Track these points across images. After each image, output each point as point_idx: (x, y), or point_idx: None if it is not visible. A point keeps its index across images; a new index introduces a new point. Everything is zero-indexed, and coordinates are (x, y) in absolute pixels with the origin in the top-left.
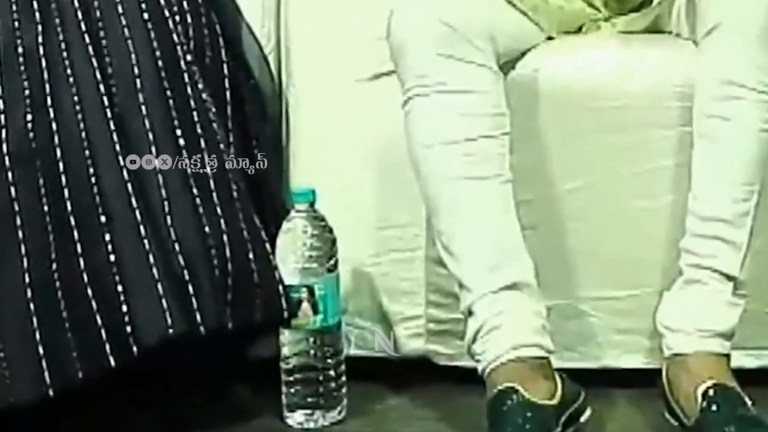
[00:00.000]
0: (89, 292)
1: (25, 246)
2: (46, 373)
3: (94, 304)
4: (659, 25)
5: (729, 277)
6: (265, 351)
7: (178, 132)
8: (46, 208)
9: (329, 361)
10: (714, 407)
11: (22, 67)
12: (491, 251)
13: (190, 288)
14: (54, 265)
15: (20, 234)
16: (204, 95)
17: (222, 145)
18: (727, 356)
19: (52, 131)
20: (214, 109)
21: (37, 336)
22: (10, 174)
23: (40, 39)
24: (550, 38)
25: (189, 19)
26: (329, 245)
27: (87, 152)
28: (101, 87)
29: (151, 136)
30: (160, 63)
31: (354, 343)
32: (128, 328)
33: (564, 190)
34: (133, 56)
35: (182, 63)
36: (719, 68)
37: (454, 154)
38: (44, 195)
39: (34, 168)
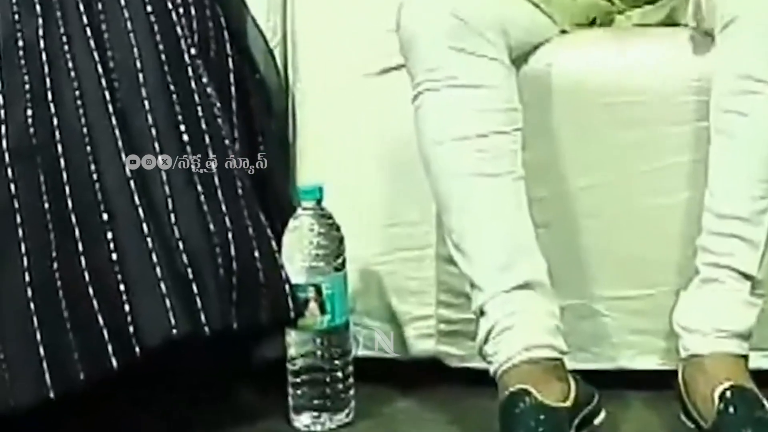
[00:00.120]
0: (91, 291)
1: (25, 244)
2: (47, 375)
3: (95, 303)
4: (675, 18)
5: (747, 276)
6: (271, 352)
7: (182, 127)
8: (46, 205)
9: (337, 362)
10: (731, 409)
11: (23, 61)
12: (503, 250)
13: (194, 287)
14: (55, 264)
15: (20, 232)
16: (208, 90)
17: (227, 141)
18: (745, 357)
19: (53, 126)
20: (218, 104)
21: (38, 336)
22: (9, 170)
23: (40, 32)
24: (563, 31)
25: (193, 12)
26: (337, 243)
27: (88, 148)
28: (103, 81)
29: (154, 131)
30: (163, 57)
31: (362, 343)
32: (131, 329)
33: (577, 187)
34: (135, 50)
35: (186, 57)
36: (736, 62)
37: (466, 150)
38: (45, 192)
39: (35, 164)
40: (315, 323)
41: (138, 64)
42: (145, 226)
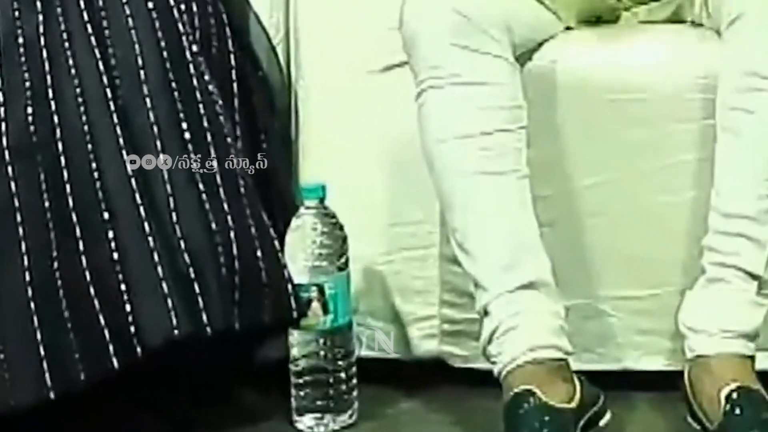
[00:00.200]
0: (92, 291)
1: (25, 243)
2: (47, 375)
3: (96, 303)
4: (681, 15)
5: (753, 276)
6: (274, 352)
7: (184, 125)
8: (47, 204)
9: (340, 362)
10: (738, 411)
11: (23, 58)
12: (507, 249)
13: (196, 287)
14: (55, 264)
15: (20, 231)
16: (210, 87)
17: (229, 139)
18: (752, 358)
19: (54, 124)
20: (220, 102)
21: (38, 337)
22: (10, 169)
23: (41, 29)
24: (568, 28)
25: (195, 9)
26: (340, 243)
27: (89, 146)
28: (104, 78)
29: (155, 129)
30: (164, 54)
31: (365, 344)
32: (132, 329)
33: (582, 186)
34: (137, 47)
35: (188, 54)
36: (743, 59)
37: (469, 148)
38: (45, 191)
39: (35, 163)
40: (318, 323)
41: (139, 62)
42: (146, 225)
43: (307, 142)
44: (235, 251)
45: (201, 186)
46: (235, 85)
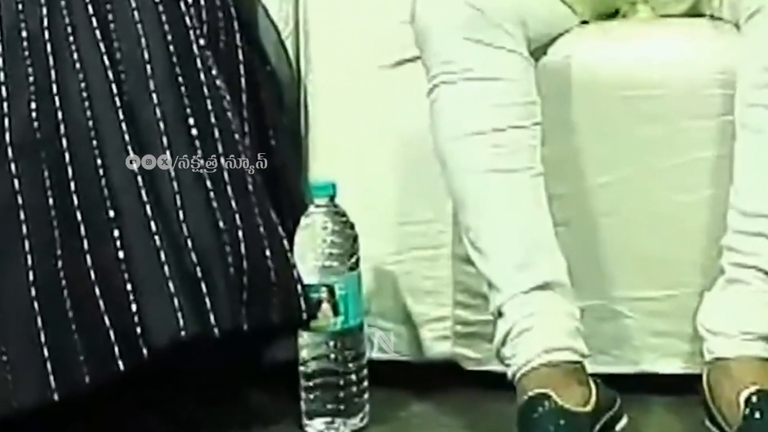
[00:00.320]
0: (97, 291)
1: (29, 242)
2: (51, 377)
3: (101, 303)
4: (699, 9)
5: None
6: (283, 354)
7: (191, 121)
8: (51, 201)
9: (350, 365)
10: (757, 414)
11: (26, 53)
12: (521, 248)
13: (204, 287)
14: (59, 263)
15: (24, 229)
16: (218, 82)
17: (237, 136)
18: None
19: (58, 120)
20: (228, 98)
21: (42, 338)
22: (13, 166)
23: (45, 23)
24: (583, 22)
25: (202, 2)
26: (350, 242)
27: (94, 143)
28: (109, 73)
29: (162, 125)
30: (171, 48)
31: (376, 346)
32: (138, 330)
33: (598, 184)
34: (143, 40)
35: (195, 48)
36: (762, 54)
37: (482, 145)
38: (49, 188)
39: (39, 159)
40: (328, 325)
41: (145, 56)
42: (152, 223)
43: (317, 139)
44: (243, 250)
45: (208, 183)
46: (243, 80)
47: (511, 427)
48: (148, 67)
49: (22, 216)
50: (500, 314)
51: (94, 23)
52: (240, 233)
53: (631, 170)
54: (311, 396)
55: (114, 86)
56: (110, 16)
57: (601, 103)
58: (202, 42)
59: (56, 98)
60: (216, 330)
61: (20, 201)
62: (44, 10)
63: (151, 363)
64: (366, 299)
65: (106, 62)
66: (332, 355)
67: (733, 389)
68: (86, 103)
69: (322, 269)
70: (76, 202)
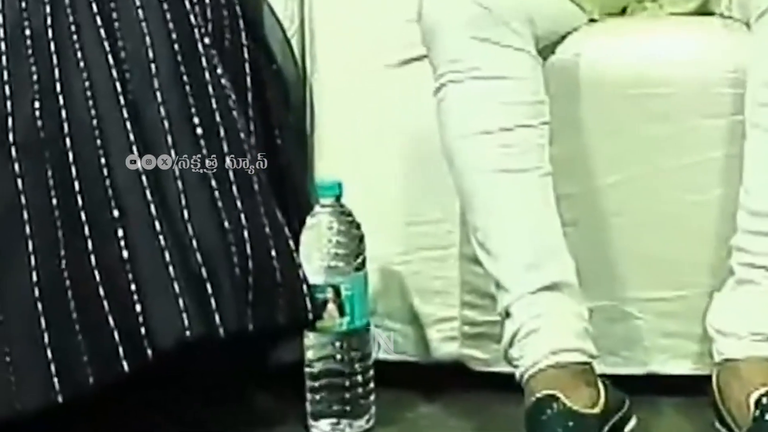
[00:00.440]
0: (101, 291)
1: (32, 242)
2: (55, 379)
3: (106, 304)
4: (709, 7)
5: None
6: (288, 355)
7: (196, 120)
8: (54, 201)
9: (357, 366)
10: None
11: (30, 51)
12: (530, 249)
13: (209, 287)
14: (63, 263)
15: (27, 229)
16: (223, 81)
17: (242, 135)
18: None
19: (62, 119)
20: (233, 96)
21: (46, 338)
22: (17, 165)
23: (48, 21)
24: (592, 20)
25: (207, 0)
26: (356, 242)
27: (98, 142)
28: (114, 72)
29: (166, 124)
30: (176, 46)
31: (383, 346)
32: (143, 330)
33: (607, 184)
34: (147, 39)
35: (200, 46)
36: None
37: (490, 144)
38: (53, 187)
39: (43, 159)
40: (334, 325)
41: (150, 54)
42: (157, 223)
43: (323, 138)
44: (248, 250)
45: (213, 183)
46: (248, 78)
47: (519, 429)
48: (153, 65)
49: (25, 216)
50: (508, 315)
51: (98, 22)
52: (245, 233)
53: (640, 170)
54: (317, 397)
55: (118, 85)
56: (114, 15)
57: (610, 102)
58: (207, 40)
59: (60, 97)
60: (221, 330)
61: (24, 200)
62: (48, 8)
63: (156, 364)
64: (373, 300)
65: (111, 61)
66: (338, 356)
67: (743, 390)
68: (90, 102)
69: (327, 269)
70: (80, 201)
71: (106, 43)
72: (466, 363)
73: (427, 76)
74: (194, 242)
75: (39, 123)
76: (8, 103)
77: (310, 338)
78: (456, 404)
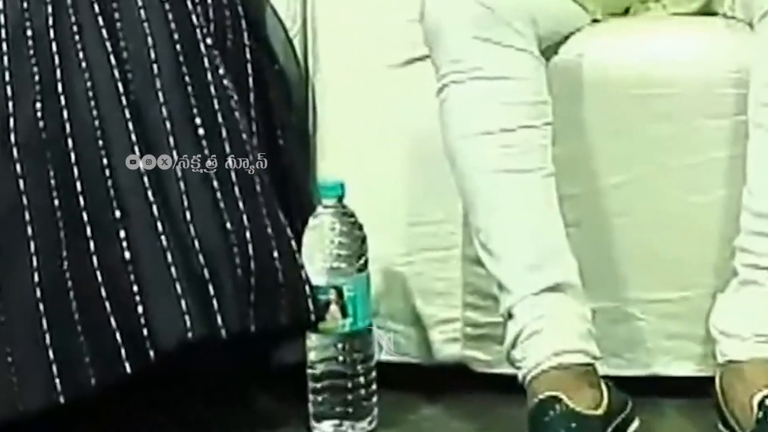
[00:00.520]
0: (103, 292)
1: (34, 243)
2: (57, 380)
3: (108, 305)
4: (712, 7)
5: None
6: (291, 356)
7: (198, 121)
8: (56, 202)
9: (359, 367)
10: None
11: (32, 51)
12: (532, 250)
13: (211, 288)
14: (65, 264)
15: (29, 230)
16: (225, 81)
17: (244, 135)
18: None
19: (64, 120)
20: (235, 97)
21: (47, 339)
22: (18, 166)
23: (50, 21)
24: (595, 20)
25: (209, 0)
26: (359, 243)
27: (100, 142)
28: (116, 72)
29: (168, 125)
30: (178, 47)
31: (385, 348)
32: (145, 331)
33: (610, 185)
34: (149, 39)
35: (202, 47)
36: None
37: (491, 145)
38: (55, 188)
39: (44, 159)
40: (336, 327)
41: (152, 55)
42: (159, 224)
43: (325, 138)
44: (250, 251)
45: (215, 184)
46: (250, 79)
47: (522, 431)
48: (155, 66)
49: (27, 216)
50: (510, 316)
51: (100, 22)
52: (248, 234)
53: (644, 170)
54: (319, 398)
55: (120, 85)
56: (116, 15)
57: (613, 102)
58: (209, 41)
59: (62, 98)
60: (223, 332)
61: (26, 201)
62: (50, 9)
63: (158, 365)
64: (375, 301)
65: (113, 61)
66: (340, 358)
67: (747, 392)
68: (92, 103)
69: (330, 270)
70: (82, 202)
71: (108, 44)
72: (469, 364)
73: (430, 76)
74: (196, 243)
75: (41, 123)
76: (10, 104)
77: (312, 339)
78: (458, 406)
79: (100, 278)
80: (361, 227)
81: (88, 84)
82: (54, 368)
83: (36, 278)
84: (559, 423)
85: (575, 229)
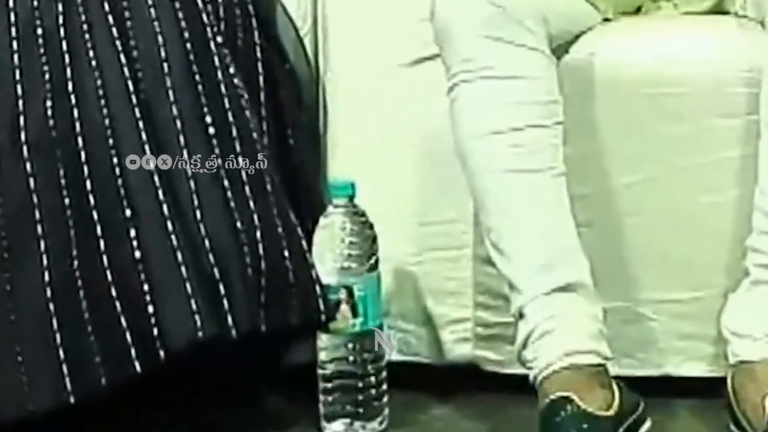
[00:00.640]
0: (113, 292)
1: (44, 242)
2: (67, 379)
3: (118, 305)
4: (723, 6)
5: None
6: (301, 356)
7: (208, 120)
8: (66, 201)
9: (369, 367)
10: None
11: (42, 50)
12: (544, 250)
13: (221, 288)
14: (75, 263)
15: (39, 229)
16: (236, 80)
17: (255, 135)
18: None
19: (74, 119)
20: (246, 96)
21: (58, 339)
22: (28, 165)
23: (60, 19)
24: (606, 19)
25: None
26: (369, 243)
27: (111, 141)
28: (126, 71)
29: (179, 124)
30: (188, 46)
31: (396, 348)
32: (155, 331)
33: (621, 184)
34: (159, 38)
35: (212, 45)
36: None
37: (501, 144)
38: (65, 187)
39: (54, 158)
40: (347, 326)
41: (162, 54)
42: (169, 223)
43: (336, 138)
44: (261, 251)
45: (226, 183)
46: (261, 78)
47: (533, 431)
48: (165, 65)
49: (37, 215)
50: (521, 316)
51: (111, 21)
52: (258, 233)
53: (656, 170)
54: (330, 398)
55: (130, 84)
56: (127, 14)
57: (625, 102)
58: (219, 40)
59: (72, 96)
60: (234, 331)
61: (35, 200)
62: (60, 7)
63: (168, 364)
64: (386, 300)
65: (123, 60)
66: (351, 357)
67: (759, 392)
68: (102, 102)
69: (340, 270)
70: (92, 201)
71: (118, 42)
72: (480, 364)
73: (441, 75)
74: (207, 242)
75: (51, 122)
76: (20, 102)
77: (322, 339)
78: (469, 406)
79: (110, 277)
80: (371, 227)
81: (99, 83)
82: (64, 368)
83: (46, 277)
84: (570, 423)
85: (587, 229)
